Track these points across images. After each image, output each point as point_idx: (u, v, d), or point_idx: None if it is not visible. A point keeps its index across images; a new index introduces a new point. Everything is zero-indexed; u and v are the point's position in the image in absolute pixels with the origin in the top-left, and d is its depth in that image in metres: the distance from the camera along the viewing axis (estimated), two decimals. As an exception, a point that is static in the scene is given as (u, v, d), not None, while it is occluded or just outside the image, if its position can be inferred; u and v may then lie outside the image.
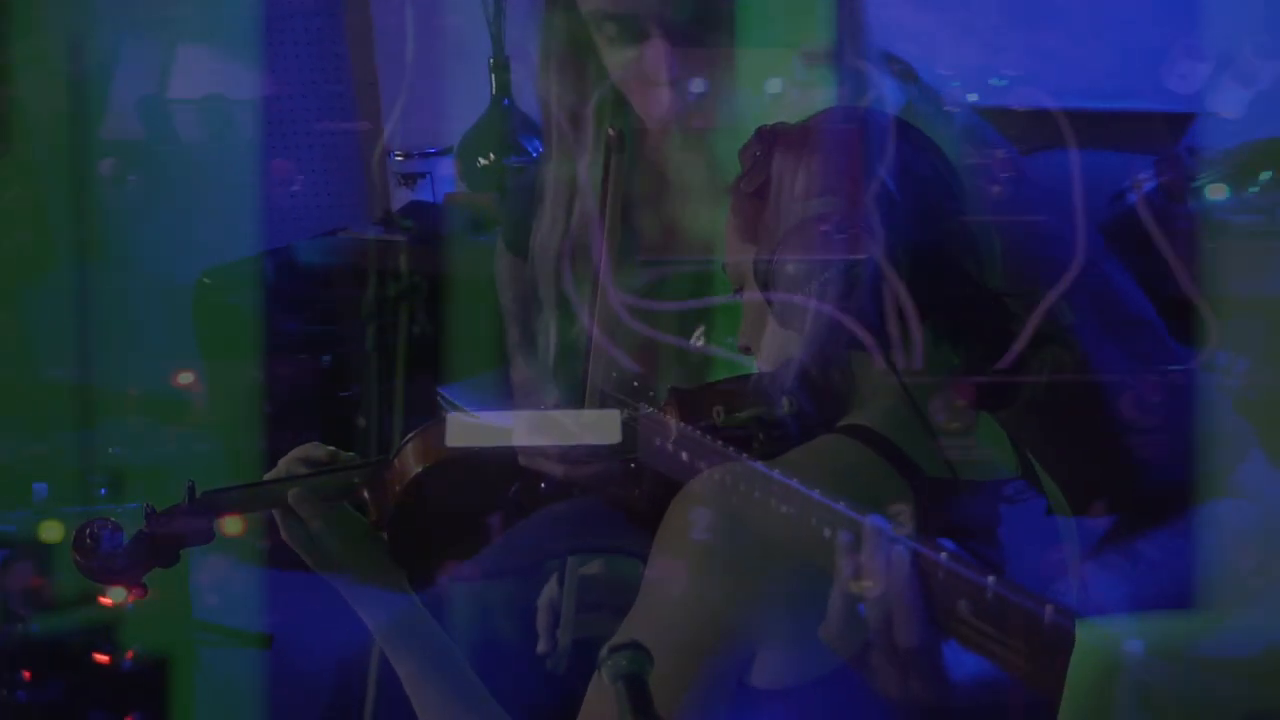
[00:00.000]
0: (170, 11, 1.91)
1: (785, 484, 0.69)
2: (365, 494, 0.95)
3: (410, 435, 0.95)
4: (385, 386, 1.73)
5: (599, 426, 0.85)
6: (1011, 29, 1.55)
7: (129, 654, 1.18)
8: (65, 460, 1.51)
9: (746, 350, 0.85)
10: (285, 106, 2.14)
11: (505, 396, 1.26)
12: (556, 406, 0.97)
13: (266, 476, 0.97)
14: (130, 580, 0.93)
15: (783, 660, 0.72)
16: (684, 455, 0.80)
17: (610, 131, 0.86)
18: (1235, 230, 1.21)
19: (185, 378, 1.64)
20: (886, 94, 0.83)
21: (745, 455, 0.75)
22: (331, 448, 0.96)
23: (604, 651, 0.63)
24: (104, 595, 1.17)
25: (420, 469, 0.93)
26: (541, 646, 1.01)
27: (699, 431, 0.80)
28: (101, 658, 1.17)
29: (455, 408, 1.57)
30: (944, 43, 1.44)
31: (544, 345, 1.06)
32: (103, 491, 0.87)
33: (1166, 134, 1.49)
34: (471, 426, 0.91)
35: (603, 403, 0.93)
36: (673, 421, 0.83)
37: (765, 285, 0.78)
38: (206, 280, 1.94)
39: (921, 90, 0.79)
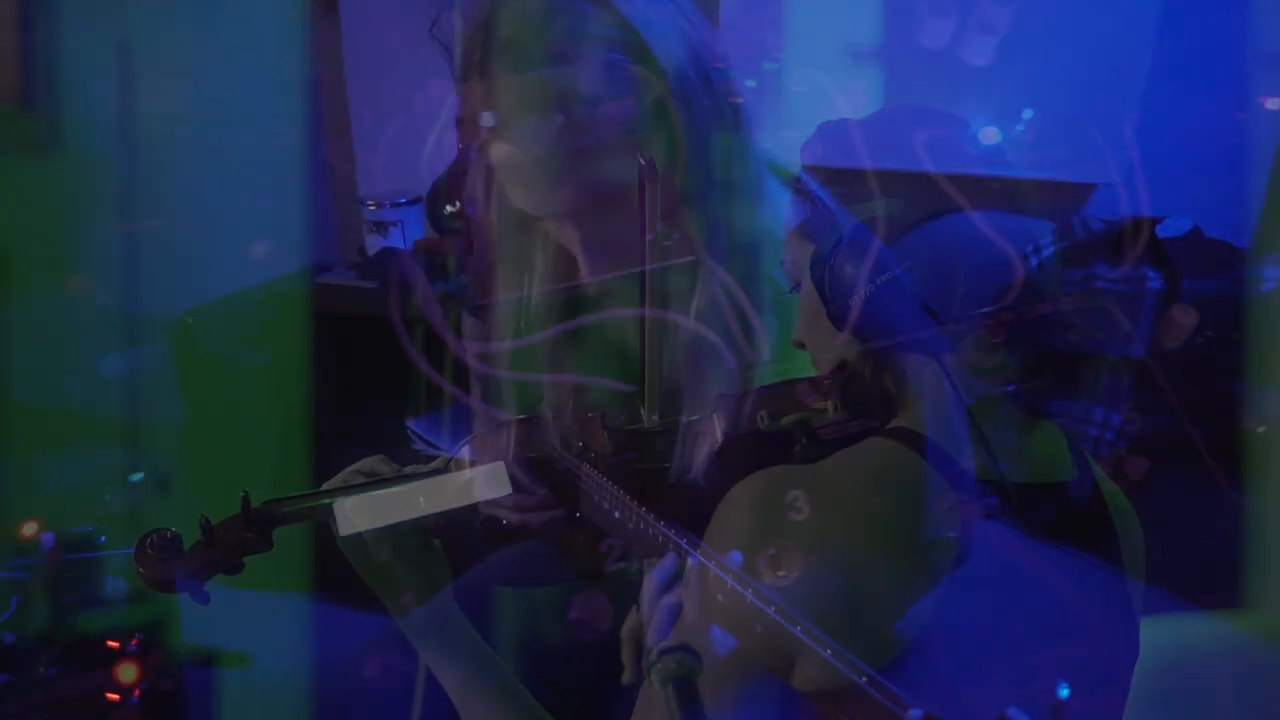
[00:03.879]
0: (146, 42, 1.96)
1: (635, 507, 0.77)
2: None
3: (464, 441, 0.99)
4: (358, 422, 1.83)
5: (486, 481, 0.89)
6: (932, 97, 1.68)
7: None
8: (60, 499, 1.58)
9: (800, 345, 0.86)
10: (264, 152, 2.23)
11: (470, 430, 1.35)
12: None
13: (324, 486, 0.98)
14: (193, 588, 0.94)
15: (821, 664, 0.69)
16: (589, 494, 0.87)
17: (641, 161, 0.91)
18: (1112, 297, 1.35)
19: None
20: (787, 213, 0.95)
21: (624, 492, 0.82)
22: (393, 464, 0.98)
23: (653, 655, 0.64)
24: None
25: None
26: (627, 677, 1.00)
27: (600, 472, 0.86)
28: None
29: (423, 440, 1.67)
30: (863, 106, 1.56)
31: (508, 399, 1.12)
32: (101, 539, 0.94)
33: (1069, 202, 1.64)
34: (361, 507, 0.92)
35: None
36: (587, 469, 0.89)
37: (822, 285, 0.79)
38: (188, 319, 2.03)
39: (816, 208, 0.91)
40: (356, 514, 0.91)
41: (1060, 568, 0.79)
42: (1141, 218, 1.48)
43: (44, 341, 1.76)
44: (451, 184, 2.04)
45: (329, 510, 0.95)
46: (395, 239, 2.09)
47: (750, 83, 1.02)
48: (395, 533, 0.94)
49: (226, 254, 1.97)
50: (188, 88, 1.92)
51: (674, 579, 0.74)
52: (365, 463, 0.99)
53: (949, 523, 0.74)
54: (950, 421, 0.77)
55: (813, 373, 0.86)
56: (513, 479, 0.99)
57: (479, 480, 0.90)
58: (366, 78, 2.28)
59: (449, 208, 2.07)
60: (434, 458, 1.24)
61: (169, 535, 0.95)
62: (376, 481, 0.98)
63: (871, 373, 0.80)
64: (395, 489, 0.95)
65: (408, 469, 1.00)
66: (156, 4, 1.89)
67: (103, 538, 0.93)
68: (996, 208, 1.64)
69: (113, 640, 1.26)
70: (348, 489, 0.97)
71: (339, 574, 0.98)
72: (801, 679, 0.71)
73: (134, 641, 1.26)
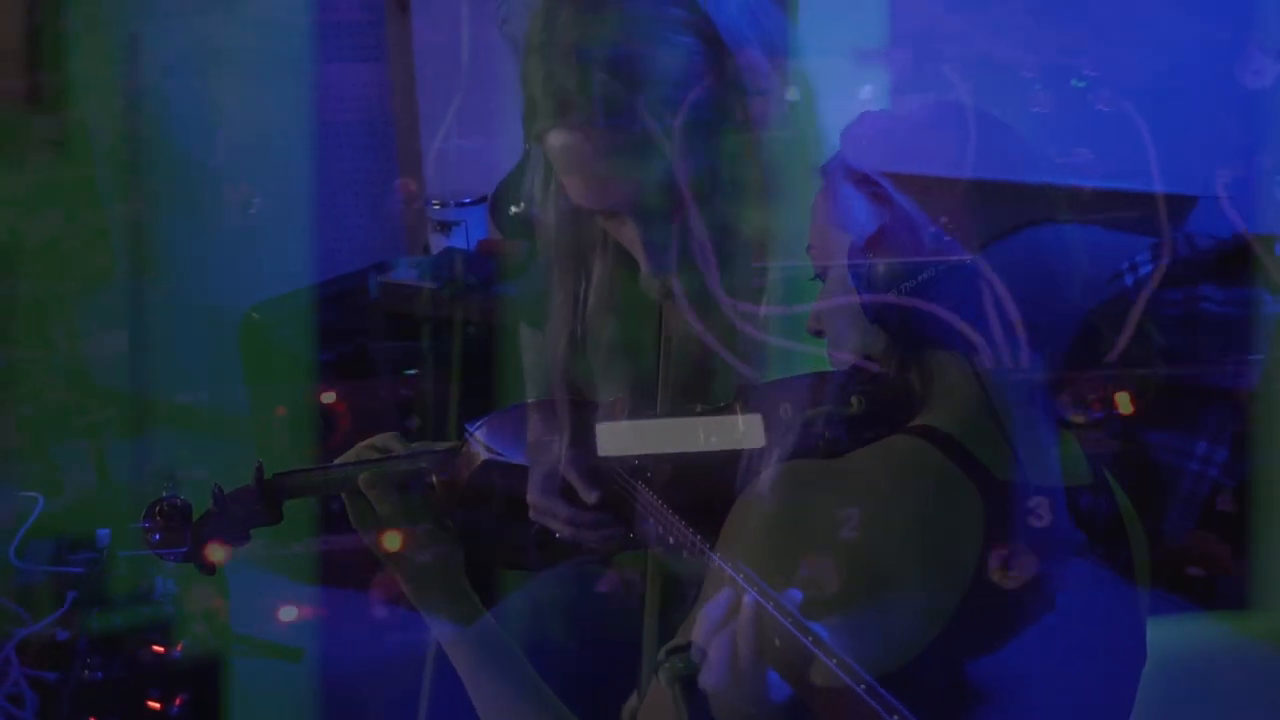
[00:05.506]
0: (224, 43, 1.98)
1: (683, 527, 0.74)
2: (434, 480, 0.95)
3: (481, 421, 0.97)
4: (421, 419, 1.81)
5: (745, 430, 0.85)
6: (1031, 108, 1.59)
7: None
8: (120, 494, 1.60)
9: (818, 334, 0.85)
10: (329, 149, 2.25)
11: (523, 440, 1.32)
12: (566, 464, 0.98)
13: (338, 461, 0.97)
14: (198, 558, 0.95)
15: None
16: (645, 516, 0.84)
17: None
18: (1216, 319, 1.26)
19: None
20: (861, 214, 0.89)
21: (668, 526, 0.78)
22: (405, 441, 0.97)
23: (661, 654, 0.64)
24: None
25: (487, 458, 0.95)
26: None
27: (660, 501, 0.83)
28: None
29: (479, 442, 1.65)
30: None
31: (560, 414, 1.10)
32: (156, 537, 0.94)
33: (1171, 217, 1.53)
34: (627, 431, 0.91)
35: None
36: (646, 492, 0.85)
37: (861, 277, 0.77)
38: (254, 314, 2.05)
39: (894, 211, 0.85)
40: (620, 438, 0.90)
41: (1077, 575, 0.77)
42: (1256, 235, 1.38)
43: (52, 337, 1.79)
44: (515, 184, 2.02)
45: (340, 483, 0.95)
46: (458, 239, 2.07)
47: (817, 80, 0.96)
48: (407, 509, 0.94)
49: (228, 253, 1.98)
50: (195, 85, 1.91)
51: (728, 617, 0.70)
52: (378, 438, 0.99)
53: (973, 524, 0.71)
54: (974, 420, 0.75)
55: (825, 363, 0.84)
56: (565, 492, 0.96)
57: (743, 427, 0.85)
58: (436, 76, 2.28)
59: (513, 208, 2.04)
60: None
61: (179, 503, 0.95)
62: (387, 458, 0.97)
63: (898, 369, 0.78)
64: (663, 421, 0.93)
65: (416, 445, 0.99)
66: (164, 2, 1.89)
67: (158, 534, 0.92)
68: (1088, 220, 1.53)
69: (158, 645, 1.26)
70: (359, 464, 0.96)
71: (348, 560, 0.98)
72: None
73: (179, 647, 1.26)
